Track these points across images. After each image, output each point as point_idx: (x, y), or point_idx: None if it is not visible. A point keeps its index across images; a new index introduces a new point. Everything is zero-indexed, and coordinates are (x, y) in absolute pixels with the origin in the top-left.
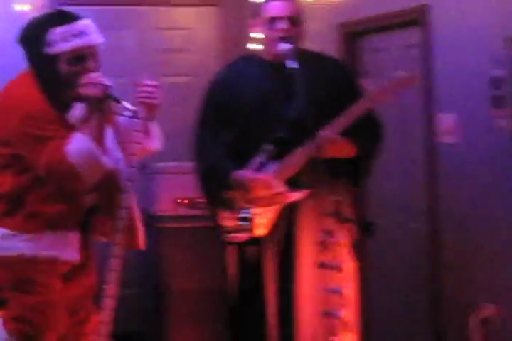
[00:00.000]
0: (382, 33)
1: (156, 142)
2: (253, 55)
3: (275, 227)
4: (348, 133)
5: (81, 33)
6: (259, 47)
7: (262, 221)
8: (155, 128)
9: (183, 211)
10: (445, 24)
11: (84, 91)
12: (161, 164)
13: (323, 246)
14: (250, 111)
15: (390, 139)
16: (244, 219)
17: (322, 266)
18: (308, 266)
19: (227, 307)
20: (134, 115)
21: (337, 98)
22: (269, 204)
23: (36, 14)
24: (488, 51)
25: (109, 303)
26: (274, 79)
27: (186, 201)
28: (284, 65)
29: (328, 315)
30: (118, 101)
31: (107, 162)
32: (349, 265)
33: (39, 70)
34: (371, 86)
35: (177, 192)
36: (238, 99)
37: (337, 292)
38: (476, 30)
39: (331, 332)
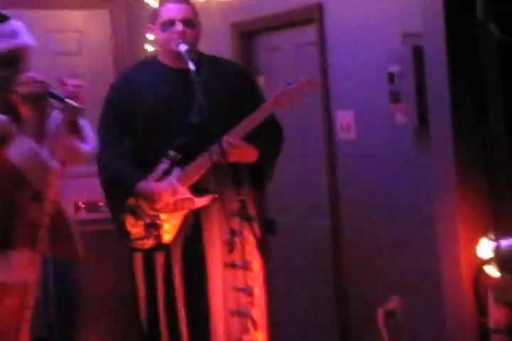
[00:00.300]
0: (277, 31)
1: (89, 143)
2: (151, 59)
3: (180, 232)
4: (249, 137)
5: (13, 34)
6: (155, 49)
7: (168, 227)
8: (87, 129)
9: (83, 215)
10: (340, 21)
11: (24, 89)
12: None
13: (231, 245)
14: (150, 117)
15: (290, 137)
16: (151, 225)
17: (230, 265)
18: (217, 266)
19: (136, 316)
20: (79, 112)
21: (239, 103)
22: (175, 211)
23: None
24: (385, 47)
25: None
26: (172, 83)
27: (84, 205)
28: (182, 68)
29: (238, 314)
30: (61, 99)
31: (50, 160)
32: (256, 263)
33: None
34: (272, 90)
35: (76, 196)
36: (137, 105)
37: (246, 291)
38: (373, 26)
39: (243, 331)
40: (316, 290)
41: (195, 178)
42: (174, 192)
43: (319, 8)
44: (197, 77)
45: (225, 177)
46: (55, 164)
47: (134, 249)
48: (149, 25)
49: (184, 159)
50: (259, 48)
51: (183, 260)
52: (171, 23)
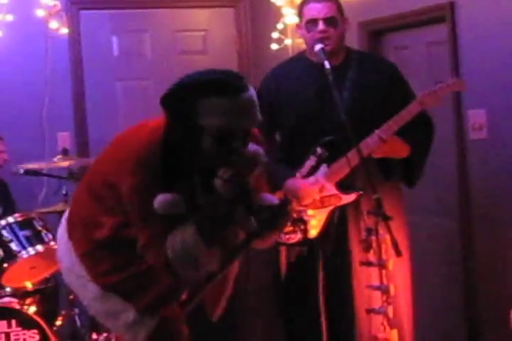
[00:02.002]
0: (406, 30)
1: None
2: (300, 56)
3: (327, 228)
4: (400, 133)
5: (238, 111)
6: (280, 46)
7: (315, 223)
8: None
9: None
10: (472, 20)
11: None
12: None
13: (367, 244)
14: (299, 114)
15: None
16: (298, 220)
17: (366, 264)
18: (355, 264)
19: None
20: None
21: (387, 99)
22: (322, 207)
23: (55, 20)
24: None
25: None
26: (321, 79)
27: None
28: (323, 66)
29: (374, 312)
30: None
31: None
32: (392, 262)
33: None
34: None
35: None
36: (286, 101)
37: (382, 289)
38: (505, 24)
39: (378, 329)
40: (444, 290)
41: (342, 175)
42: (321, 188)
43: (451, 6)
44: (343, 73)
45: (373, 174)
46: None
47: (281, 244)
48: (297, 23)
49: (331, 156)
50: (387, 47)
51: (327, 255)
52: (313, 22)
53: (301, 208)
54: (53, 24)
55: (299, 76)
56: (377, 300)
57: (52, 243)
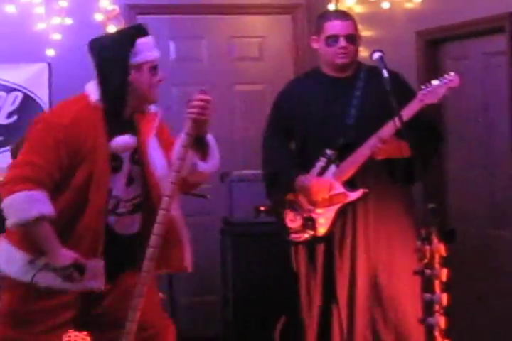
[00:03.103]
0: (464, 40)
1: (208, 162)
2: (315, 70)
3: (334, 226)
4: (402, 134)
5: (155, 47)
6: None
7: (323, 221)
8: (212, 146)
9: (262, 218)
10: None
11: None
12: (238, 172)
13: (420, 253)
14: (312, 121)
15: (473, 144)
16: (308, 219)
17: (419, 273)
18: (405, 272)
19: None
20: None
21: (393, 105)
22: (330, 205)
23: (114, 24)
24: None
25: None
26: (333, 90)
27: (263, 208)
28: (342, 77)
29: (425, 322)
30: None
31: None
32: (443, 272)
33: (114, 80)
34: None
35: (255, 199)
36: (301, 112)
37: (435, 299)
38: None
39: (428, 338)
40: (501, 301)
41: (349, 174)
42: (330, 187)
43: (510, 16)
44: (353, 84)
45: (378, 173)
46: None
47: (295, 243)
48: (313, 37)
49: (340, 157)
50: (445, 57)
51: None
52: (335, 38)
53: (311, 207)
54: (111, 28)
55: (311, 89)
56: (428, 310)
57: None
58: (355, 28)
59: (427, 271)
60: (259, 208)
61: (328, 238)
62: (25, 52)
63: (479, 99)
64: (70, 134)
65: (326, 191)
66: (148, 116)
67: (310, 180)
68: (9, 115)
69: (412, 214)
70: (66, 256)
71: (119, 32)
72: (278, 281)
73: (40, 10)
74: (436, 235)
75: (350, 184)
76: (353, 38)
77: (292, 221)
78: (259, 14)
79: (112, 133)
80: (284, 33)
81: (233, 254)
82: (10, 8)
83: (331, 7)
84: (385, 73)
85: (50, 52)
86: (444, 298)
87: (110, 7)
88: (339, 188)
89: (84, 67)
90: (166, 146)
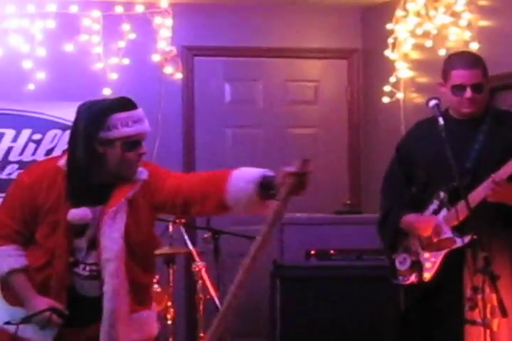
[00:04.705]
0: None
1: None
2: (443, 112)
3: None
4: None
5: (139, 120)
6: (391, 100)
7: (429, 265)
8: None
9: (313, 262)
10: None
11: None
12: (290, 215)
13: (472, 302)
14: (431, 166)
15: None
16: (416, 263)
17: (471, 322)
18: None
19: None
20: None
21: None
22: (438, 249)
23: (170, 65)
24: None
25: None
26: (458, 132)
27: (315, 252)
28: (468, 120)
29: None
30: None
31: None
32: (497, 322)
33: (77, 151)
34: None
35: (306, 242)
36: (423, 154)
37: None
38: None
39: None
40: None
41: (460, 218)
42: (439, 231)
43: None
44: (478, 127)
45: (492, 218)
46: None
47: (397, 285)
48: (441, 81)
49: (454, 201)
50: (502, 105)
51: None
52: (461, 87)
53: (420, 251)
54: (168, 69)
55: (435, 132)
56: None
57: None
58: (483, 76)
59: (478, 320)
60: (309, 252)
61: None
62: (83, 91)
63: None
64: (30, 193)
65: (435, 234)
66: (128, 184)
67: (415, 217)
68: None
69: None
70: (42, 301)
71: (102, 102)
72: (327, 325)
73: (98, 49)
74: (494, 285)
75: (460, 229)
76: (480, 87)
77: (401, 263)
78: (315, 58)
79: (75, 199)
80: (339, 78)
81: (282, 298)
82: (69, 48)
83: (388, 53)
84: (441, 121)
85: (107, 92)
86: None
87: (167, 48)
88: (448, 233)
89: (140, 105)
90: (172, 187)
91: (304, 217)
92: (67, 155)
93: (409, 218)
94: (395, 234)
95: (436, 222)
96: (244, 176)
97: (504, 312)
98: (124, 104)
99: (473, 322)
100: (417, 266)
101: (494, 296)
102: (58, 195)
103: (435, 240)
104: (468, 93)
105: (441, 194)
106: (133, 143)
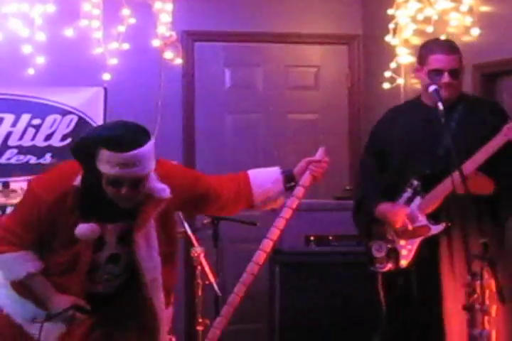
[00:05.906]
0: None
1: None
2: (415, 100)
3: (416, 259)
4: (487, 170)
5: (128, 164)
6: (392, 86)
7: (405, 253)
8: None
9: (312, 248)
10: None
11: None
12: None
13: (471, 288)
14: (404, 152)
15: None
16: (392, 251)
17: (468, 308)
18: (455, 307)
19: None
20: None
21: (489, 138)
22: (412, 237)
23: (170, 50)
24: None
25: None
26: (428, 120)
27: (314, 238)
28: (435, 108)
29: None
30: None
31: None
32: (496, 308)
33: (87, 174)
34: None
35: (305, 228)
36: (394, 142)
37: (484, 335)
38: None
39: None
40: None
41: (434, 206)
42: (413, 219)
43: None
44: (449, 114)
45: (463, 208)
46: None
47: (374, 272)
48: (417, 66)
49: (426, 189)
50: (503, 91)
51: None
52: (438, 72)
53: (395, 238)
54: (168, 54)
55: (409, 118)
56: None
57: None
58: (460, 62)
59: (477, 307)
60: (309, 237)
61: (408, 271)
62: (82, 76)
63: None
64: (50, 212)
65: (403, 220)
66: (153, 202)
67: (387, 208)
68: (63, 138)
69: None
70: (64, 299)
71: (106, 129)
72: (325, 311)
73: (98, 34)
74: (493, 271)
75: (435, 217)
76: (457, 73)
77: (378, 250)
78: (316, 44)
79: (87, 216)
80: (340, 63)
81: (281, 283)
82: (69, 32)
83: (388, 38)
84: (441, 106)
85: (107, 77)
86: (493, 335)
87: (168, 33)
88: (423, 221)
89: (139, 92)
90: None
91: (303, 203)
92: (81, 175)
93: (382, 208)
94: (369, 222)
95: (407, 212)
96: (267, 177)
97: (503, 298)
98: (120, 143)
99: (472, 309)
100: (394, 254)
101: (493, 282)
102: (75, 213)
103: (410, 228)
104: (446, 78)
105: (415, 182)
106: (113, 181)
